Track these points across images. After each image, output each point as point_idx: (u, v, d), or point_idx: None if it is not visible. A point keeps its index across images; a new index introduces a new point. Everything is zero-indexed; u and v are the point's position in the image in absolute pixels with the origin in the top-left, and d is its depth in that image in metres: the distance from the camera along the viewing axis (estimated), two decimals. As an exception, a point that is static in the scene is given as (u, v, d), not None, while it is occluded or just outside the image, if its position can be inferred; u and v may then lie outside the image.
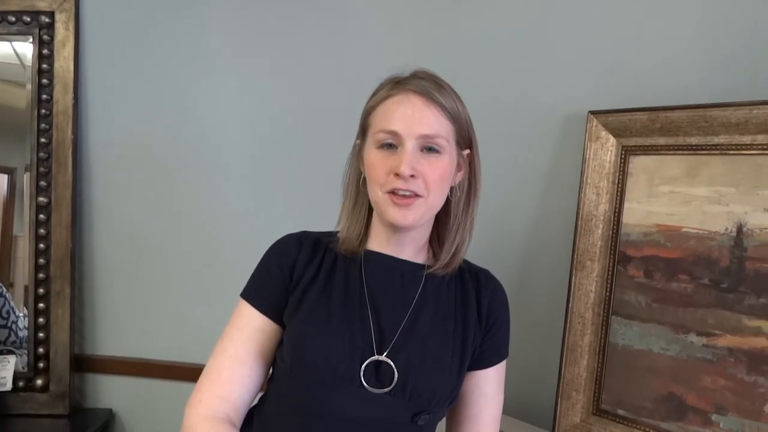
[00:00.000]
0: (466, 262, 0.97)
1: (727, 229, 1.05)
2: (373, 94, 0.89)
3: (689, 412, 1.07)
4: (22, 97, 1.61)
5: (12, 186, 1.64)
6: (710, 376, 1.05)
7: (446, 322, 0.90)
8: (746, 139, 1.05)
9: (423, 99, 0.84)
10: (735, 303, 1.03)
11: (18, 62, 1.61)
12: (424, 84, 0.85)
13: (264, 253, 0.95)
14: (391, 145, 0.84)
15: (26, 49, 1.60)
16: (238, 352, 0.90)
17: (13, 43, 1.62)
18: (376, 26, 1.54)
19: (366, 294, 0.89)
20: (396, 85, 0.86)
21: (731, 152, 1.07)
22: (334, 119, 1.55)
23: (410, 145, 0.83)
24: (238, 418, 0.90)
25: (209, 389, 0.88)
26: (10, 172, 1.64)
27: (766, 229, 1.01)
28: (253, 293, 0.93)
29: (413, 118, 0.83)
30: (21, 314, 1.63)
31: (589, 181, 1.25)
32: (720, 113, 1.07)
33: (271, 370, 0.95)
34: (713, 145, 1.09)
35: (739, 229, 1.04)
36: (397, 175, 0.82)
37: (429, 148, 0.84)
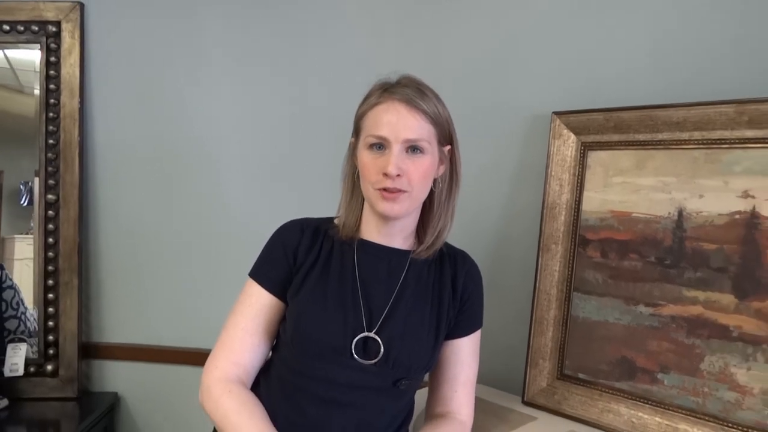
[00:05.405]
0: (447, 245, 1.07)
1: (669, 213, 1.13)
2: (365, 99, 0.98)
3: (639, 372, 1.16)
4: (31, 102, 1.63)
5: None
6: (656, 340, 1.13)
7: (424, 302, 1.00)
8: (685, 135, 1.12)
9: (407, 107, 0.92)
10: (676, 277, 1.11)
11: (30, 69, 1.62)
12: (408, 92, 0.93)
13: (270, 236, 1.04)
14: (380, 147, 0.94)
15: (34, 56, 1.63)
16: (249, 326, 1.00)
17: (22, 51, 1.64)
18: (367, 37, 1.59)
19: (358, 279, 0.99)
20: (384, 92, 0.95)
21: (673, 147, 1.14)
22: (329, 120, 1.59)
23: (396, 148, 0.91)
24: (249, 380, 1.01)
25: (224, 356, 0.99)
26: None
27: (702, 212, 1.09)
28: (261, 274, 1.02)
29: (398, 124, 0.91)
30: (29, 307, 1.67)
31: (553, 173, 1.31)
32: (663, 113, 1.14)
33: (275, 341, 1.05)
34: (658, 141, 1.16)
35: (680, 213, 1.12)
36: (385, 174, 0.92)
37: (413, 149, 0.93)
